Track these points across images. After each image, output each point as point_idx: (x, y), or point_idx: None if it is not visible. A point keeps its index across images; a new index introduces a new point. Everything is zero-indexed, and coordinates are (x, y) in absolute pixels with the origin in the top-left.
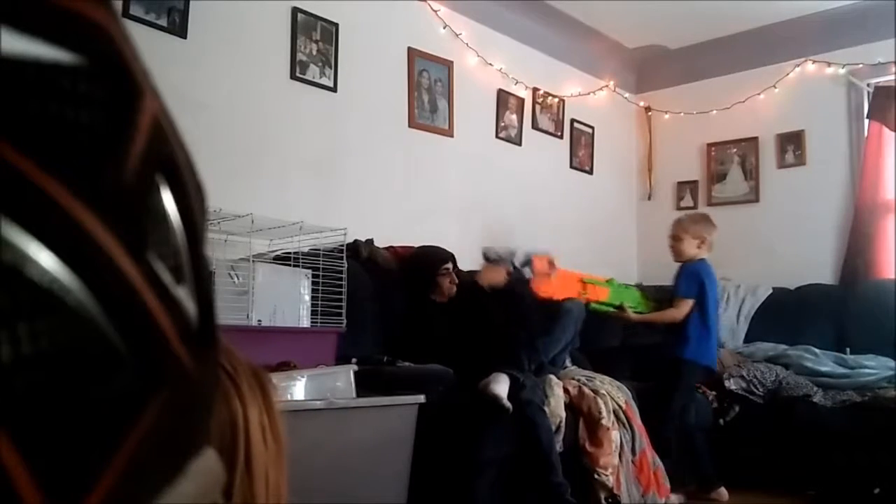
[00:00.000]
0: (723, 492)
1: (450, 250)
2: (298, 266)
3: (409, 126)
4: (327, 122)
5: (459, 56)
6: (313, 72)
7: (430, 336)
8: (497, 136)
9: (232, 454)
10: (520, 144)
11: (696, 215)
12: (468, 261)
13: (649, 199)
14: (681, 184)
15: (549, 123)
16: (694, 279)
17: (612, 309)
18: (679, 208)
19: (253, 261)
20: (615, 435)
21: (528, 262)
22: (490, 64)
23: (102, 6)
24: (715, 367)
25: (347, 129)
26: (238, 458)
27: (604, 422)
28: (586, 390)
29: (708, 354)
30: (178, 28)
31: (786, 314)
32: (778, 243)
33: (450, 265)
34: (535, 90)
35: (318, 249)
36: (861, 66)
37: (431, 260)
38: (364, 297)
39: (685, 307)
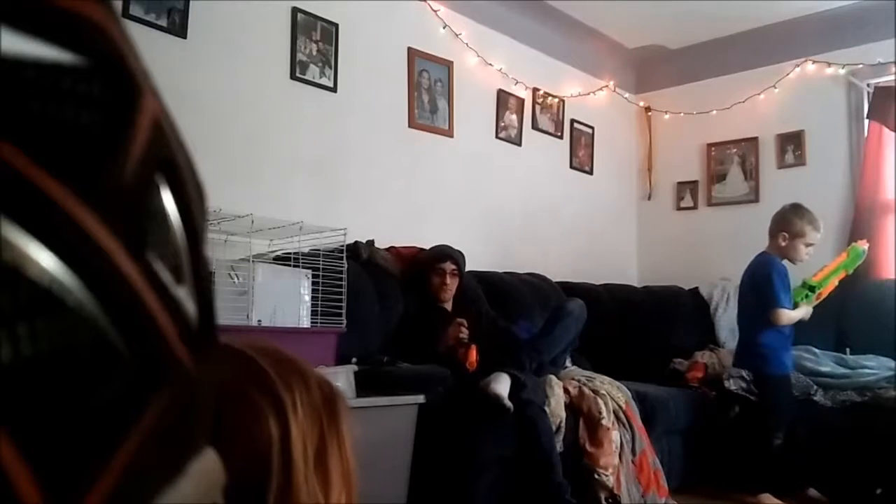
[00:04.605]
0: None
1: (458, 250)
2: (298, 266)
3: (409, 126)
4: (327, 122)
5: (459, 56)
6: (313, 72)
7: (430, 337)
8: (497, 136)
9: (265, 475)
10: (520, 144)
11: None
12: (469, 261)
13: (649, 199)
14: (681, 184)
15: (549, 123)
16: None
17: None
18: (679, 208)
19: (253, 261)
20: (615, 435)
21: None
22: (490, 64)
23: (102, 6)
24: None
25: (347, 129)
26: (271, 479)
27: (604, 422)
28: (586, 390)
29: (788, 362)
30: (178, 28)
31: None
32: None
33: (445, 264)
34: (535, 90)
35: (319, 250)
36: (861, 66)
37: (427, 258)
38: (364, 298)
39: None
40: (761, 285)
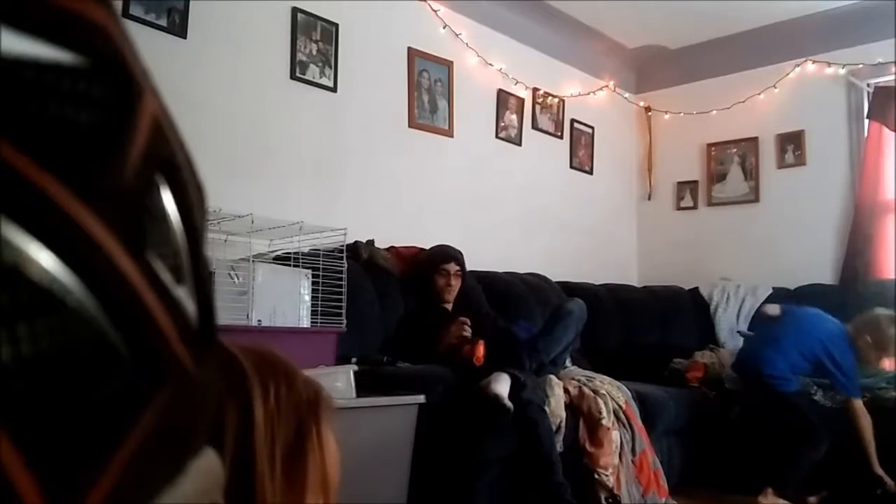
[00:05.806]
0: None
1: (459, 250)
2: (298, 266)
3: (409, 126)
4: (327, 122)
5: (459, 56)
6: (313, 72)
7: (431, 337)
8: (497, 136)
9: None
10: (520, 144)
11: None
12: (469, 261)
13: (649, 199)
14: (681, 184)
15: (549, 123)
16: None
17: None
18: (679, 208)
19: (253, 261)
20: (615, 435)
21: None
22: (490, 64)
23: (102, 6)
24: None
25: (347, 129)
26: (224, 459)
27: (604, 422)
28: (586, 390)
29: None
30: (178, 28)
31: None
32: (778, 243)
33: (449, 266)
34: (535, 90)
35: (318, 250)
36: (861, 66)
37: (431, 259)
38: (364, 298)
39: None
40: (841, 364)
